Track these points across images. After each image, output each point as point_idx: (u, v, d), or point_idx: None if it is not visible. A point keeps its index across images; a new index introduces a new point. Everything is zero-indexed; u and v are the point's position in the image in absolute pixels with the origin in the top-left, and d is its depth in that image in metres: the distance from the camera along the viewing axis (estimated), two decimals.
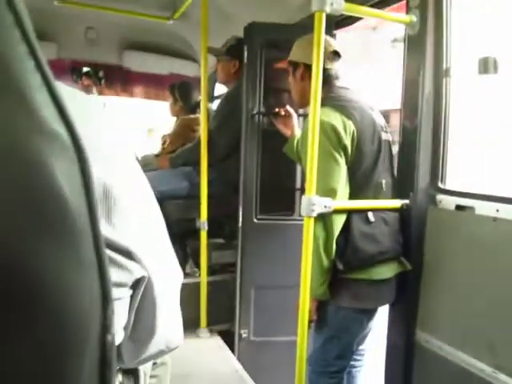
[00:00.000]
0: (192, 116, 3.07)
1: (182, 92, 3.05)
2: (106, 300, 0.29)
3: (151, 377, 0.89)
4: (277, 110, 2.00)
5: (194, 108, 3.06)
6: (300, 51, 1.68)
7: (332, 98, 1.59)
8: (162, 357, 0.89)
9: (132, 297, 0.54)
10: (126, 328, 0.57)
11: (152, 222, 0.57)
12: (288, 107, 2.00)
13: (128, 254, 0.48)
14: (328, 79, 1.59)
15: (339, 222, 1.50)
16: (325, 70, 1.56)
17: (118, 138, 0.51)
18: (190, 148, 2.54)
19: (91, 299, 0.28)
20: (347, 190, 1.53)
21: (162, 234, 0.60)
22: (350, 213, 1.52)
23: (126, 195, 0.47)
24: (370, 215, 1.53)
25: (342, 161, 1.50)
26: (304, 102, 1.76)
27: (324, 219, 1.47)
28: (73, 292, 0.26)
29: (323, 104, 1.50)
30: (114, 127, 0.52)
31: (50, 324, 0.25)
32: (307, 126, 1.55)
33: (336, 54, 1.64)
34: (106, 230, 0.44)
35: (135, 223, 0.49)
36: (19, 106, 0.23)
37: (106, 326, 0.29)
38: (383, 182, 1.58)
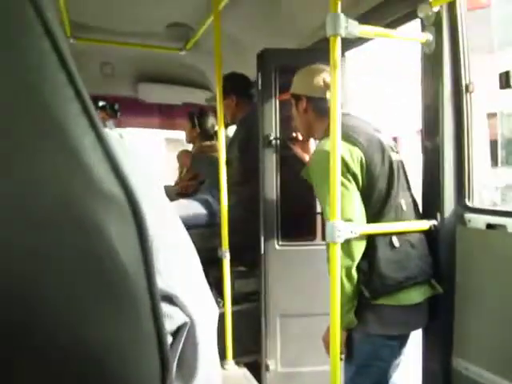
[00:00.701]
0: (208, 143, 3.09)
1: (200, 119, 3.09)
2: (165, 369, 0.27)
3: None
4: (294, 134, 1.99)
5: (211, 135, 3.09)
6: (301, 83, 1.68)
7: None
8: None
9: (172, 344, 0.52)
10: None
11: (190, 262, 0.55)
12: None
13: (171, 300, 0.46)
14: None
15: (360, 248, 1.46)
16: (326, 101, 1.59)
17: (148, 175, 0.49)
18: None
19: (151, 369, 0.26)
20: (364, 218, 1.49)
21: (199, 272, 0.58)
22: (373, 239, 1.48)
23: (166, 237, 0.45)
24: (395, 240, 1.49)
25: (353, 187, 1.47)
26: (309, 134, 1.78)
27: (344, 246, 1.44)
28: (134, 362, 0.24)
29: (327, 135, 1.50)
30: (141, 161, 0.50)
31: None
32: (315, 158, 1.56)
33: None
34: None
35: (177, 266, 0.47)
36: (75, 165, 0.22)
37: None
38: (402, 202, 1.54)
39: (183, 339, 0.52)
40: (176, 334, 0.51)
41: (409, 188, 1.61)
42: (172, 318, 0.47)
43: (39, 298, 0.20)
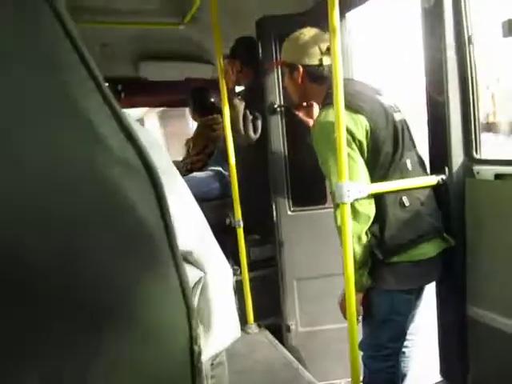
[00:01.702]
0: (210, 116, 3.11)
1: (194, 97, 3.12)
2: (190, 312, 0.30)
3: (211, 377, 0.91)
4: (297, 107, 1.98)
5: (210, 110, 3.11)
6: (294, 51, 1.63)
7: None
8: (220, 356, 0.91)
9: None
10: None
11: (202, 224, 0.59)
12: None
13: (186, 257, 0.50)
14: (326, 76, 1.57)
15: (372, 208, 1.48)
16: (320, 67, 1.57)
17: (161, 149, 0.53)
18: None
19: (177, 312, 0.29)
20: (369, 182, 1.50)
21: (210, 233, 0.62)
22: (383, 200, 1.50)
23: (179, 199, 0.49)
24: (405, 199, 1.50)
25: (358, 157, 1.48)
26: (306, 102, 1.76)
27: (356, 209, 1.46)
28: (161, 307, 0.28)
29: (327, 103, 1.50)
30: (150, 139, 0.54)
31: (144, 339, 0.27)
32: (317, 129, 1.54)
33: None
34: None
35: (190, 226, 0.51)
36: (92, 137, 0.25)
37: (192, 338, 0.31)
38: (407, 161, 1.54)
39: (198, 294, 0.56)
40: (192, 290, 0.55)
41: (414, 146, 1.61)
42: (189, 275, 0.51)
43: (74, 255, 0.23)
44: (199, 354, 0.31)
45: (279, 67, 2.01)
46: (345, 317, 1.57)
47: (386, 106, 1.55)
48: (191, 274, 0.52)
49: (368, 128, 1.48)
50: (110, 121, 0.26)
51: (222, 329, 0.64)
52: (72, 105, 0.24)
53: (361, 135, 1.47)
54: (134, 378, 0.26)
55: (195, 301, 0.56)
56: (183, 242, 0.49)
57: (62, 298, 0.22)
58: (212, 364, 0.94)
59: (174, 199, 0.49)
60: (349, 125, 1.45)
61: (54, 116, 0.24)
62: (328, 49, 1.56)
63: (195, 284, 0.54)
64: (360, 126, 1.47)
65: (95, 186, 0.24)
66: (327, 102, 1.52)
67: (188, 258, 0.51)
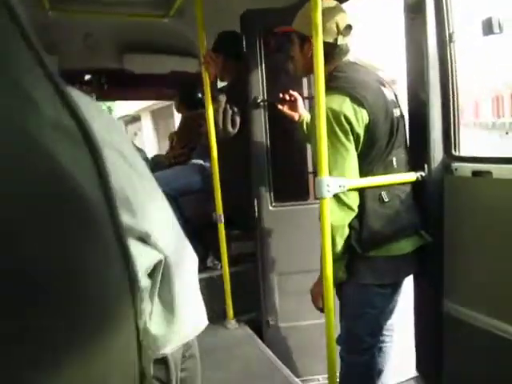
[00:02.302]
0: (196, 111, 3.09)
1: (182, 91, 3.09)
2: (133, 287, 0.29)
3: (182, 370, 0.89)
4: (281, 95, 1.98)
5: (197, 104, 3.08)
6: (311, 24, 1.51)
7: (341, 78, 1.51)
8: (190, 348, 0.90)
9: (152, 283, 0.55)
10: (150, 313, 0.58)
11: (165, 209, 0.58)
12: (291, 92, 1.98)
13: (144, 240, 0.49)
14: (338, 56, 1.53)
15: (356, 199, 1.48)
16: (336, 46, 1.51)
17: (122, 133, 0.52)
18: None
19: (119, 287, 0.28)
20: (357, 175, 1.50)
21: (174, 220, 0.61)
22: (362, 195, 1.50)
23: (141, 184, 0.48)
24: (384, 195, 1.51)
25: (352, 148, 1.47)
26: (308, 74, 1.72)
27: (341, 199, 1.46)
28: (100, 279, 0.27)
29: (332, 87, 1.46)
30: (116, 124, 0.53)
31: (82, 311, 0.26)
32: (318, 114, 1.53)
33: (349, 28, 1.53)
34: (125, 217, 0.45)
35: (152, 210, 0.50)
36: (24, 101, 0.24)
37: (136, 313, 0.30)
38: (394, 159, 1.54)
39: (159, 277, 0.55)
40: (153, 272, 0.54)
41: (404, 144, 1.60)
42: (146, 255, 0.51)
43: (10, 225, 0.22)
44: (144, 329, 0.30)
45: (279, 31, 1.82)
46: (316, 306, 1.60)
47: (388, 100, 1.52)
48: (149, 254, 0.51)
49: (367, 123, 1.46)
50: (44, 85, 0.25)
51: (187, 316, 0.63)
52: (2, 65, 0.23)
53: (359, 129, 1.45)
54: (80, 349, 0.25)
55: (156, 282, 0.55)
56: (142, 224, 0.48)
57: None
58: (184, 356, 0.92)
59: (134, 177, 0.48)
60: (349, 114, 1.43)
61: None
62: (346, 28, 1.51)
63: (155, 266, 0.53)
64: (360, 119, 1.45)
65: (23, 146, 0.23)
66: (331, 84, 1.47)
67: (146, 240, 0.50)
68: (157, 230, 0.51)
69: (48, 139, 0.24)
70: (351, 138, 1.45)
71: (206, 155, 2.39)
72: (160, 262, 0.54)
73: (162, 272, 0.55)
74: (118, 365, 0.28)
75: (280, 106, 2.00)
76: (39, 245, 0.23)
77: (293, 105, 1.97)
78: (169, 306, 0.59)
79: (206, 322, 0.69)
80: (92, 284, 0.26)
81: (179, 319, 0.61)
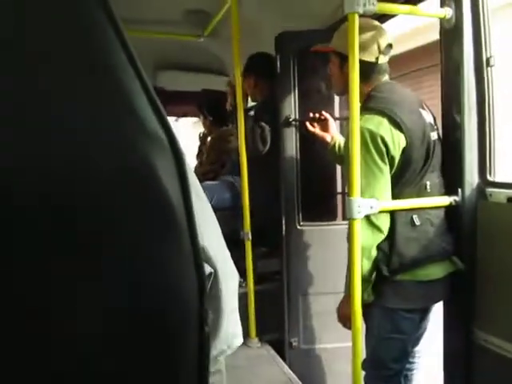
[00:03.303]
0: (224, 128, 3.13)
1: (209, 107, 3.14)
2: (202, 290, 0.30)
3: None
4: (311, 114, 1.99)
5: (225, 121, 3.12)
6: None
7: (379, 99, 1.51)
8: (218, 363, 0.89)
9: None
10: None
11: (214, 224, 0.59)
12: (322, 112, 1.99)
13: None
14: (377, 75, 1.53)
15: (387, 221, 1.47)
16: (376, 65, 1.51)
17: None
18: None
19: (191, 288, 0.29)
20: (389, 198, 1.49)
21: (221, 237, 0.62)
22: (393, 217, 1.48)
23: (196, 194, 0.49)
24: (416, 218, 1.49)
25: (386, 171, 1.46)
26: (345, 94, 1.71)
27: (372, 221, 1.45)
28: (175, 277, 0.28)
29: (369, 107, 1.47)
30: None
31: (160, 308, 0.26)
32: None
33: (390, 47, 1.53)
34: None
35: (204, 222, 0.51)
36: (128, 107, 0.26)
37: (203, 318, 0.30)
38: (427, 183, 1.51)
39: (208, 287, 0.56)
40: None
41: (439, 168, 1.57)
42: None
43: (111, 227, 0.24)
44: (208, 335, 0.31)
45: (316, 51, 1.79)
46: (342, 323, 1.58)
47: (426, 122, 1.51)
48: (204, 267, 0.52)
49: (404, 146, 1.45)
50: (141, 93, 0.27)
51: (228, 330, 0.63)
52: (108, 71, 0.25)
53: (395, 152, 1.44)
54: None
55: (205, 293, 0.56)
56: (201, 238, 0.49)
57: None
58: (212, 371, 0.92)
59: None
60: (386, 136, 1.42)
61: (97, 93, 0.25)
62: (387, 47, 1.51)
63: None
64: (397, 143, 1.44)
65: (124, 153, 0.25)
66: (368, 105, 1.48)
67: (203, 251, 0.51)
68: (208, 243, 0.52)
69: (144, 145, 0.26)
70: (386, 160, 1.44)
71: (236, 172, 2.41)
72: (210, 274, 0.54)
73: (210, 286, 0.56)
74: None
75: (311, 128, 2.01)
76: (133, 241, 0.24)
77: (324, 126, 1.98)
78: (214, 321, 0.60)
79: (241, 341, 0.69)
80: (168, 280, 0.27)
81: (221, 333, 0.61)
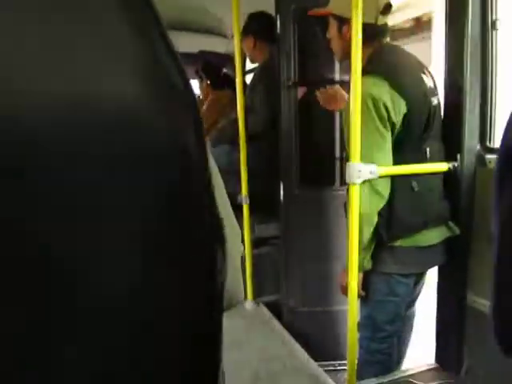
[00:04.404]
0: (222, 90, 3.09)
1: (206, 72, 3.09)
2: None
3: None
4: (321, 90, 1.90)
5: (222, 84, 3.07)
6: (348, 4, 1.43)
7: (380, 62, 1.47)
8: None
9: None
10: None
11: (217, 176, 0.59)
12: (336, 87, 1.91)
13: None
14: (378, 37, 1.50)
15: (387, 186, 1.47)
16: (375, 27, 1.47)
17: None
18: (225, 126, 2.55)
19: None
20: (391, 163, 1.48)
21: (224, 191, 0.62)
22: (393, 183, 1.48)
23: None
24: (415, 184, 1.49)
25: (388, 136, 1.44)
26: (347, 59, 1.67)
27: (373, 185, 1.45)
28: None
29: (370, 70, 1.42)
30: None
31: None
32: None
33: (389, 7, 1.49)
34: None
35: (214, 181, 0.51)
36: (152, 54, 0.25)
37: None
38: (427, 149, 1.51)
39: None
40: None
41: (439, 134, 1.56)
42: None
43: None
44: (222, 284, 0.31)
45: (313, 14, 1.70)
46: (344, 293, 1.58)
47: (427, 87, 1.49)
48: None
49: (405, 113, 1.43)
50: (161, 40, 0.26)
51: (233, 281, 0.65)
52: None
53: (396, 118, 1.43)
54: None
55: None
56: None
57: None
58: None
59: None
60: (387, 102, 1.40)
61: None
62: (385, 8, 1.48)
63: None
64: (398, 109, 1.42)
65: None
66: (369, 68, 1.43)
67: None
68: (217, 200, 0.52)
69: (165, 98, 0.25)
70: (388, 125, 1.43)
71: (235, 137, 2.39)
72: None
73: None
74: None
75: (319, 94, 1.91)
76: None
77: (333, 95, 1.90)
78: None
79: (242, 298, 0.70)
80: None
81: (228, 286, 0.62)
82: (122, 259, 0.23)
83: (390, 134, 1.44)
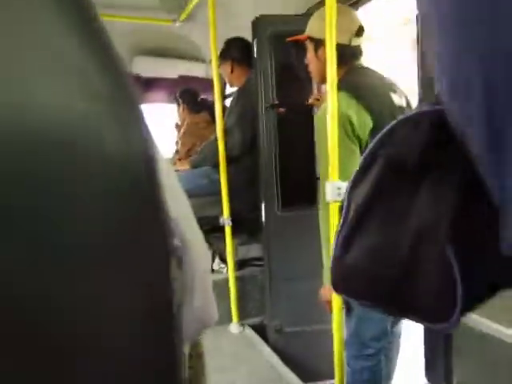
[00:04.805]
0: (200, 114, 3.13)
1: (183, 96, 3.13)
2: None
3: (188, 368, 0.88)
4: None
5: (199, 108, 3.12)
6: (322, 26, 1.47)
7: (350, 82, 1.51)
8: (198, 347, 0.89)
9: None
10: None
11: (184, 203, 0.58)
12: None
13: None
14: (351, 58, 1.54)
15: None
16: (349, 48, 1.51)
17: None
18: (208, 148, 2.56)
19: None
20: None
21: (193, 218, 0.61)
22: None
23: (168, 172, 0.48)
24: None
25: (356, 149, 1.47)
26: (324, 81, 1.70)
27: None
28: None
29: (341, 87, 1.44)
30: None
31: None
32: (319, 115, 1.54)
33: (362, 30, 1.54)
34: None
35: (171, 194, 0.50)
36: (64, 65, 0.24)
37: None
38: None
39: (176, 259, 0.54)
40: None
41: None
42: None
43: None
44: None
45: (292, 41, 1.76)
46: (327, 308, 1.58)
47: (397, 106, 1.53)
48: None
49: (370, 129, 1.46)
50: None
51: (203, 304, 0.62)
52: None
53: (360, 131, 1.46)
54: None
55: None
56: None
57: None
58: (190, 355, 0.91)
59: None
60: (353, 116, 1.44)
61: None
62: (359, 29, 1.53)
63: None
64: (363, 124, 1.46)
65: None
66: (339, 86, 1.44)
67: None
68: (177, 215, 0.51)
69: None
70: (355, 139, 1.46)
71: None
72: (177, 246, 0.53)
73: (178, 258, 0.55)
74: None
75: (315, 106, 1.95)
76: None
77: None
78: (189, 293, 0.59)
79: (216, 318, 0.68)
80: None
81: (194, 309, 0.60)
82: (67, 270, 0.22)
83: (358, 148, 1.47)
